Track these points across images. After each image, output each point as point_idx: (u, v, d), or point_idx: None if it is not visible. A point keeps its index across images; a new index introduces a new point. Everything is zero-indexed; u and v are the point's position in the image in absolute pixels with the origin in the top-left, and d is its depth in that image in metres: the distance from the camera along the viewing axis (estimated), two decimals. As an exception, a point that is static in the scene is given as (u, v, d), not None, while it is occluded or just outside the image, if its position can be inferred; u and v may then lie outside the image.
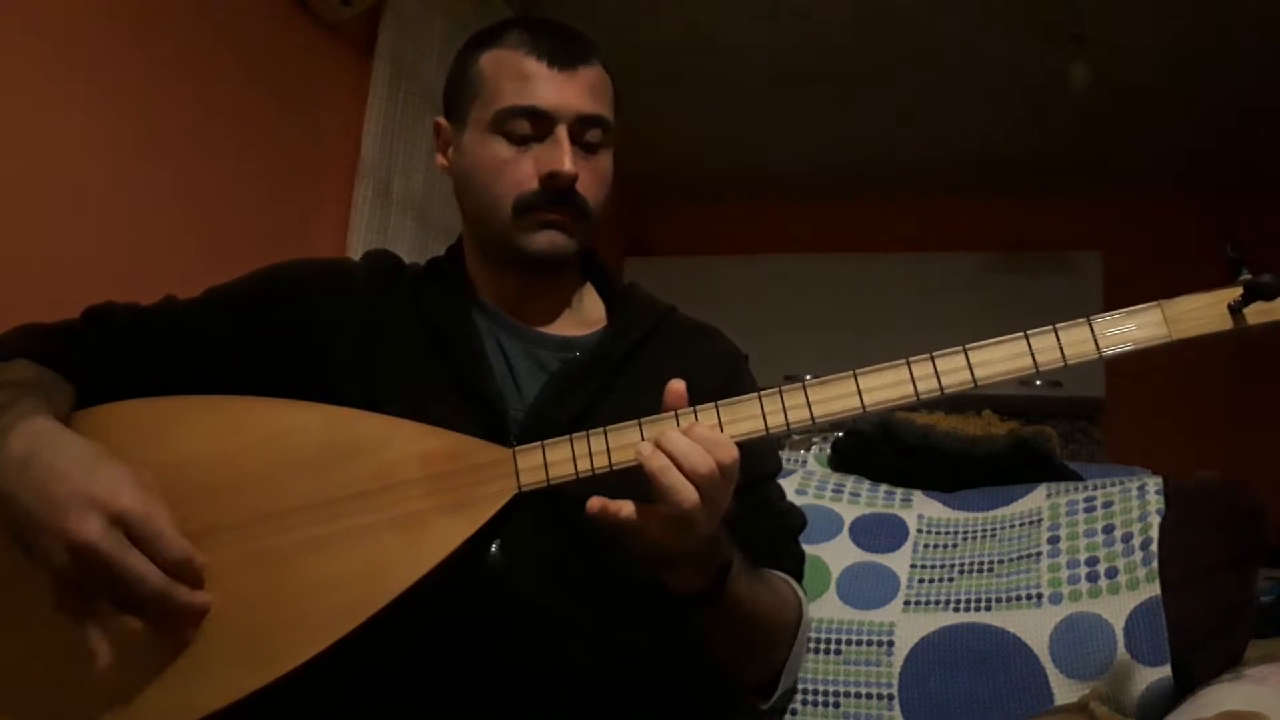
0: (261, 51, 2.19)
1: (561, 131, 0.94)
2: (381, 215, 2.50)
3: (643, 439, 0.79)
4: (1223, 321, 0.75)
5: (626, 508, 0.76)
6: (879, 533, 1.25)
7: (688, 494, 0.74)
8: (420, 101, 2.61)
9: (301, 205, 2.36)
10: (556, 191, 0.94)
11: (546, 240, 0.96)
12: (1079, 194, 4.27)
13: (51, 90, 1.67)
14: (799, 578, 1.04)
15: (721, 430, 0.78)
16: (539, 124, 0.94)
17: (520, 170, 0.95)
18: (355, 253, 2.37)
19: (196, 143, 2.00)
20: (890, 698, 1.09)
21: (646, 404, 0.81)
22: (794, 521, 1.05)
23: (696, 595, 0.84)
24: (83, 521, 0.73)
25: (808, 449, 1.64)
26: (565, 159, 0.93)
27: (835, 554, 1.22)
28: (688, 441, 0.75)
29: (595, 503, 0.77)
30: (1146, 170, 4.07)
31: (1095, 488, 1.20)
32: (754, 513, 0.99)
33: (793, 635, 0.97)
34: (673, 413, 0.79)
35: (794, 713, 1.12)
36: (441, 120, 1.03)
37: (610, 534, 0.78)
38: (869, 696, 1.10)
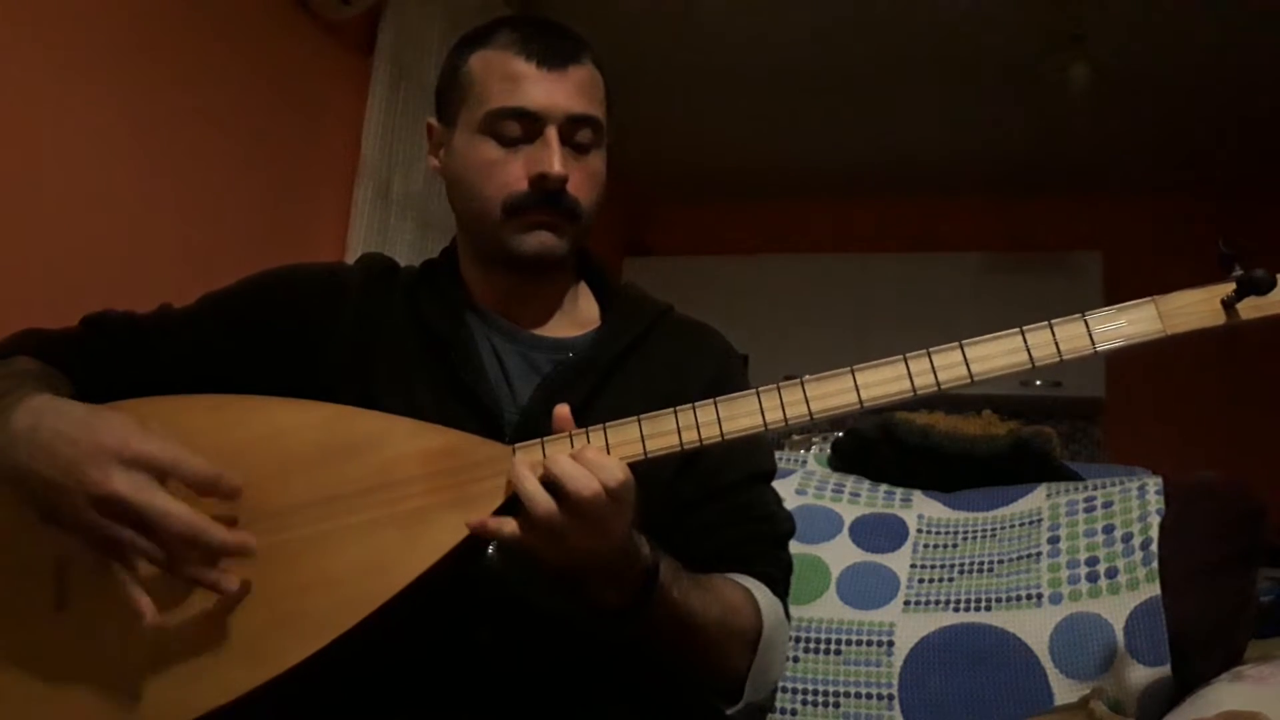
0: (261, 51, 2.20)
1: (551, 132, 0.93)
2: (381, 215, 2.50)
3: (642, 436, 0.79)
4: (1216, 316, 0.75)
5: (509, 525, 0.76)
6: (879, 533, 1.25)
7: (542, 504, 0.74)
8: (420, 101, 2.60)
9: (301, 205, 2.36)
10: (546, 193, 0.94)
11: (537, 242, 0.95)
12: (1079, 194, 4.28)
13: (50, 90, 1.67)
14: (781, 585, 1.00)
15: (721, 428, 0.78)
16: (528, 125, 0.94)
17: (509, 172, 0.94)
18: (355, 253, 2.37)
19: (196, 142, 2.01)
20: (890, 698, 1.09)
21: (641, 404, 0.81)
22: (780, 527, 1.03)
23: (621, 609, 0.82)
24: (103, 474, 0.74)
25: (807, 449, 1.65)
26: (554, 160, 0.93)
27: (835, 554, 1.22)
28: (572, 463, 0.75)
29: (475, 521, 0.77)
30: (1146, 170, 4.07)
31: (1095, 488, 1.20)
32: (733, 515, 0.98)
33: (750, 644, 0.93)
34: (567, 433, 0.79)
35: (794, 713, 1.12)
36: (433, 121, 1.03)
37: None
38: (869, 696, 1.10)
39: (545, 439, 0.80)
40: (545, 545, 0.76)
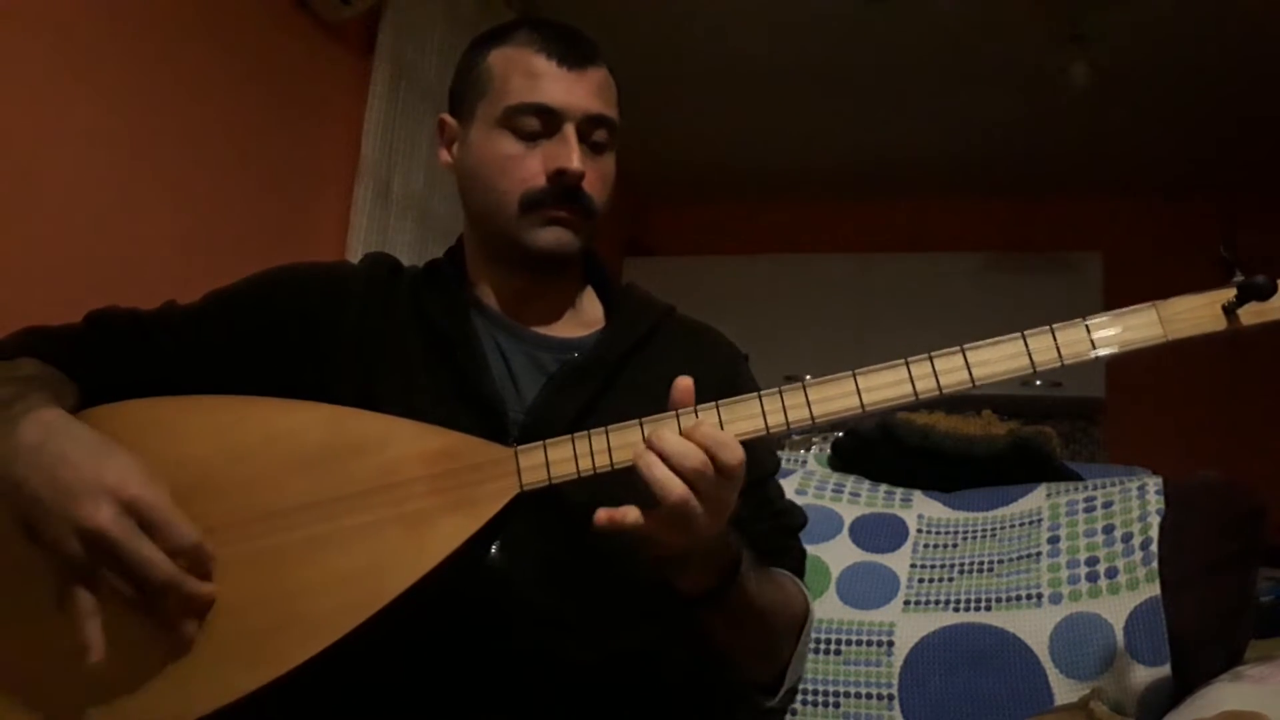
0: (261, 51, 2.20)
1: (569, 130, 0.95)
2: (381, 215, 2.50)
3: (644, 439, 0.79)
4: (1217, 322, 0.76)
5: (632, 514, 0.76)
6: (879, 533, 1.25)
7: (676, 490, 0.73)
8: (420, 101, 2.61)
9: (301, 205, 2.36)
10: (564, 189, 0.95)
11: (552, 237, 0.96)
12: (1079, 194, 4.28)
13: (50, 91, 1.67)
14: (801, 575, 1.04)
15: (722, 429, 0.78)
16: (548, 121, 0.95)
17: (528, 167, 0.95)
18: (355, 253, 2.37)
19: (196, 143, 2.00)
20: (890, 698, 1.09)
21: (646, 404, 0.81)
22: (795, 520, 1.05)
23: (706, 595, 0.84)
24: (94, 508, 0.74)
25: (808, 449, 1.64)
26: (574, 156, 0.94)
27: (835, 554, 1.22)
28: (680, 441, 0.74)
29: (602, 515, 0.76)
30: (1146, 170, 4.07)
31: (1095, 488, 1.20)
32: (757, 512, 0.99)
33: (798, 632, 0.97)
34: (674, 412, 0.78)
35: (794, 713, 1.12)
36: (446, 117, 1.04)
37: (613, 538, 0.78)
38: (869, 696, 1.10)
39: (547, 441, 0.80)
40: (670, 531, 0.76)
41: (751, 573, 0.86)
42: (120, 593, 0.76)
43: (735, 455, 0.75)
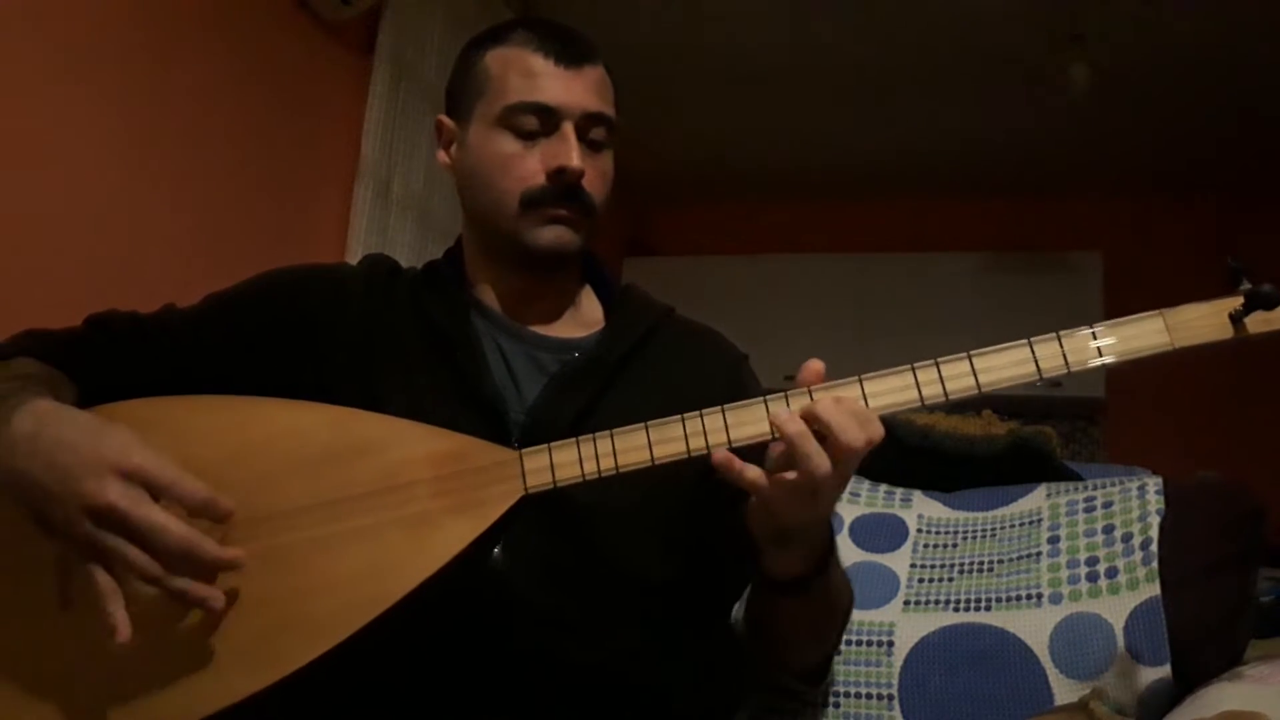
0: (261, 51, 2.20)
1: (568, 128, 0.95)
2: (381, 215, 2.50)
3: (649, 442, 0.79)
4: (1224, 330, 0.76)
5: (751, 469, 0.77)
6: (879, 533, 1.25)
7: (824, 464, 0.74)
8: (420, 101, 2.61)
9: (301, 205, 2.36)
10: (564, 187, 0.95)
11: (553, 235, 0.96)
12: (1079, 194, 4.28)
13: (51, 90, 1.67)
14: None
15: (729, 435, 0.78)
16: (546, 120, 0.95)
17: (527, 165, 0.95)
18: (355, 253, 2.37)
19: (196, 143, 2.01)
20: (890, 698, 1.09)
21: (646, 405, 0.81)
22: None
23: (799, 576, 0.85)
24: (99, 484, 0.74)
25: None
26: (573, 154, 0.94)
27: (835, 554, 1.23)
28: (842, 412, 0.75)
29: (720, 455, 0.77)
30: (1146, 170, 4.07)
31: (1095, 488, 1.20)
32: None
33: (844, 624, 0.99)
34: (790, 392, 0.79)
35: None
36: (444, 118, 1.04)
37: (617, 538, 0.78)
38: (869, 696, 1.10)
39: (552, 444, 0.80)
40: (797, 501, 0.76)
41: (835, 560, 0.89)
42: (128, 586, 0.76)
43: (880, 431, 0.75)
